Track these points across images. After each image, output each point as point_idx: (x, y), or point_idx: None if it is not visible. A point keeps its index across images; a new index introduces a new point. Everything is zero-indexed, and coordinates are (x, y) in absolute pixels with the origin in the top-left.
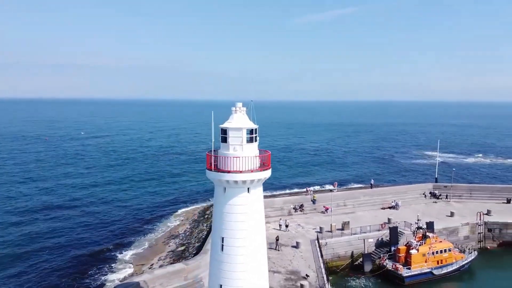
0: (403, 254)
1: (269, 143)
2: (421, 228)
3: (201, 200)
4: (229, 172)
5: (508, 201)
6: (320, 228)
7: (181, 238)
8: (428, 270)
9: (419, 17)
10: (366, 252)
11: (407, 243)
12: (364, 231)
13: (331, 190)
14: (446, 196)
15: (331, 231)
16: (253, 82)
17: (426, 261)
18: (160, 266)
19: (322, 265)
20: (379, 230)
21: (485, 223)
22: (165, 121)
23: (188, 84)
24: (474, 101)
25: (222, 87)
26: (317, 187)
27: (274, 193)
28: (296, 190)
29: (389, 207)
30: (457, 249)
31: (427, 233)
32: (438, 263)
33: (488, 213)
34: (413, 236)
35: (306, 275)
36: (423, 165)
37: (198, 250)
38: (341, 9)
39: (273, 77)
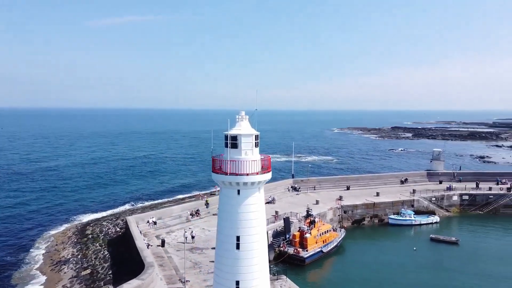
0: (298, 239)
1: (93, 154)
2: (310, 215)
3: (65, 221)
4: (247, 175)
5: (348, 188)
6: None
7: (74, 262)
8: (319, 249)
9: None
10: (268, 242)
11: (299, 229)
12: None
13: (212, 193)
14: (314, 187)
15: None
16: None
17: (316, 242)
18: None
19: None
20: (274, 222)
21: (342, 206)
22: None
23: None
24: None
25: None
26: (181, 196)
27: (164, 200)
28: (165, 199)
29: (267, 202)
30: (332, 229)
31: (315, 219)
32: (324, 242)
33: (341, 198)
34: (301, 222)
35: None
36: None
37: (115, 269)
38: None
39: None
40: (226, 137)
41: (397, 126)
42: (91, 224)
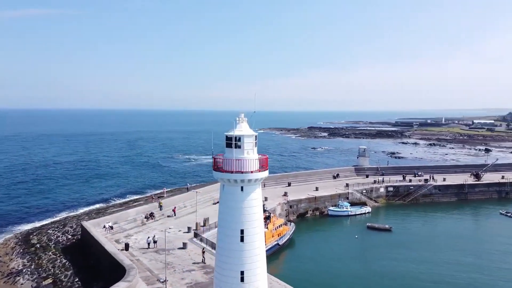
0: None
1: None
2: (266, 210)
3: (2, 232)
4: (252, 172)
5: (289, 184)
6: (188, 228)
7: (29, 273)
8: (276, 242)
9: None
10: None
11: None
12: None
13: (159, 197)
14: (264, 185)
15: (196, 229)
16: None
17: (273, 236)
18: None
19: None
20: None
21: (288, 201)
22: None
23: None
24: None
25: None
26: (121, 200)
27: (104, 205)
28: (105, 205)
29: (217, 202)
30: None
31: (270, 214)
32: (278, 236)
33: (286, 194)
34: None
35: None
36: (197, 166)
37: (82, 276)
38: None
39: None
40: (229, 138)
41: (313, 126)
42: (34, 233)
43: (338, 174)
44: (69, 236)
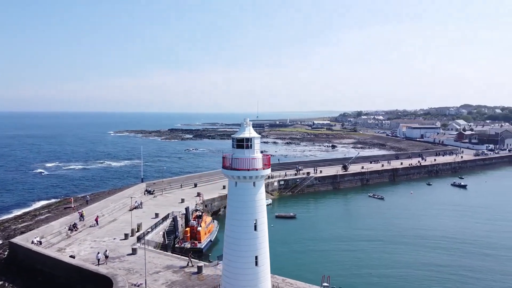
0: (189, 234)
1: None
2: (197, 210)
3: None
4: (263, 169)
5: (195, 185)
6: (125, 234)
7: None
8: (209, 239)
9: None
10: (165, 242)
11: (189, 224)
12: (156, 226)
13: (67, 208)
14: (182, 185)
15: (133, 235)
16: None
17: (205, 234)
18: None
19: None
20: (162, 223)
21: (203, 201)
22: None
23: None
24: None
25: None
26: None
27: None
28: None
29: (135, 208)
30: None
31: (202, 213)
32: (209, 232)
33: (199, 194)
34: (183, 219)
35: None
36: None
37: None
38: None
39: None
40: (241, 139)
41: (174, 128)
42: None
43: None
44: None
